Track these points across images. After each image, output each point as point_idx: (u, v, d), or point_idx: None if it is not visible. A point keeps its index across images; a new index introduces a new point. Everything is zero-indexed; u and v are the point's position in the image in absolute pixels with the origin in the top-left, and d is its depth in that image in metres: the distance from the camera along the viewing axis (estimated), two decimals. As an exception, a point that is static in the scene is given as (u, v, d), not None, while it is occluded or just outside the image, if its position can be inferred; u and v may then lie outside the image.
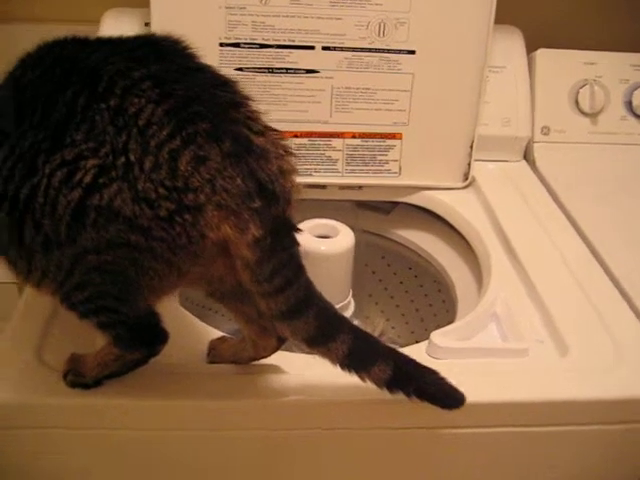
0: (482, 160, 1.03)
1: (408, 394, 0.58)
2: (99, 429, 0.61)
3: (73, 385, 0.61)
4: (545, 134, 1.05)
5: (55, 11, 1.05)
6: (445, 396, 0.59)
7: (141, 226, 0.50)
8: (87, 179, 0.50)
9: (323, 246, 0.90)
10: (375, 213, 1.09)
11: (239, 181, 0.51)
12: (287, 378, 0.64)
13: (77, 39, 0.57)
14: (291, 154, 0.57)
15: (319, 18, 0.91)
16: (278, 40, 0.92)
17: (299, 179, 0.94)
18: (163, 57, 0.56)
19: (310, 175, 0.99)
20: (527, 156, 1.06)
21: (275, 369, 0.65)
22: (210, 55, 0.89)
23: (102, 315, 0.55)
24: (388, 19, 0.92)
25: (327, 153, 0.99)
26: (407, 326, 1.19)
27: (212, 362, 0.67)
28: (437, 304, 1.08)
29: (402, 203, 1.04)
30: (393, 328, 1.21)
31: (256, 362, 0.66)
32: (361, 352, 0.57)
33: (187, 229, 0.51)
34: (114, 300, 0.54)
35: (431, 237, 1.03)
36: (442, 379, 0.59)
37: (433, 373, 0.59)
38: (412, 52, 0.94)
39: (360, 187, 1.02)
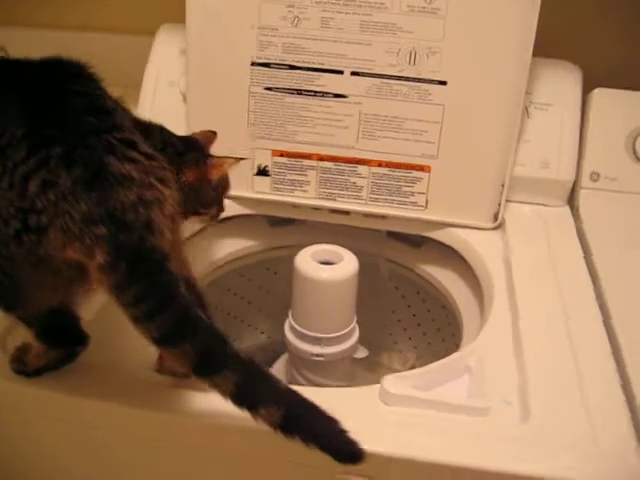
0: (518, 202, 0.97)
1: (304, 440, 0.54)
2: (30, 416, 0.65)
3: (17, 372, 0.65)
4: (594, 180, 0.96)
5: (115, 21, 1.12)
6: (340, 450, 0.55)
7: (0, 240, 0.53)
8: None
9: (325, 273, 0.89)
10: (405, 245, 1.06)
11: (84, 206, 0.51)
12: (206, 397, 0.63)
13: None
14: (167, 186, 0.57)
15: (349, 43, 0.90)
16: (307, 63, 0.92)
17: (324, 203, 0.97)
18: (53, 80, 0.58)
19: (334, 200, 0.98)
20: (572, 202, 0.98)
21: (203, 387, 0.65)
22: (241, 73, 0.94)
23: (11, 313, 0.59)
24: (419, 47, 0.89)
25: (352, 179, 0.97)
26: (438, 366, 1.14)
27: (157, 371, 0.69)
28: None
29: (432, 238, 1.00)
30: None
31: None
32: (249, 390, 0.55)
33: (33, 248, 0.52)
34: (6, 301, 0.58)
35: (456, 278, 0.98)
36: (341, 431, 0.55)
37: (332, 422, 0.55)
38: (443, 83, 0.90)
39: (384, 217, 0.99)
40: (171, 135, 0.77)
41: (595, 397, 0.67)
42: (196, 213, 0.79)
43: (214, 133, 0.86)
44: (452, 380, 0.72)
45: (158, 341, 0.53)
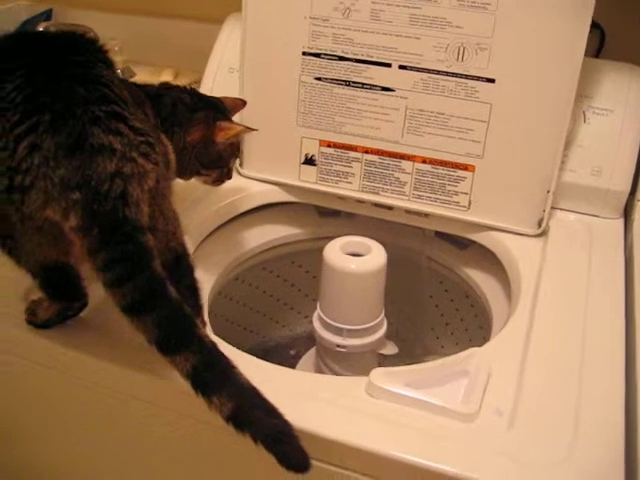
0: (567, 210, 0.93)
1: (253, 438, 0.54)
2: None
3: (28, 322, 0.71)
4: (654, 193, 0.89)
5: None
6: (287, 455, 0.54)
7: None
8: None
9: (353, 264, 0.88)
10: (451, 246, 1.03)
11: (63, 171, 0.54)
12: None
13: (22, 32, 0.65)
14: (149, 161, 0.59)
15: (398, 36, 0.90)
16: (356, 54, 0.92)
17: (367, 196, 0.97)
18: (60, 51, 0.62)
19: (377, 194, 0.98)
20: (628, 215, 0.91)
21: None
22: (293, 62, 0.96)
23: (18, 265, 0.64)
24: (468, 43, 0.87)
25: (396, 174, 0.96)
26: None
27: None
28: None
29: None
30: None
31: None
32: (206, 376, 0.55)
33: (17, 206, 0.56)
34: (13, 253, 0.63)
35: (496, 283, 0.95)
36: (292, 437, 0.55)
37: (285, 426, 0.55)
38: (492, 80, 0.87)
39: (427, 215, 0.97)
40: (185, 93, 0.80)
41: (589, 421, 0.63)
42: (197, 173, 0.81)
43: (243, 102, 0.89)
44: (449, 382, 0.70)
45: (123, 309, 0.55)
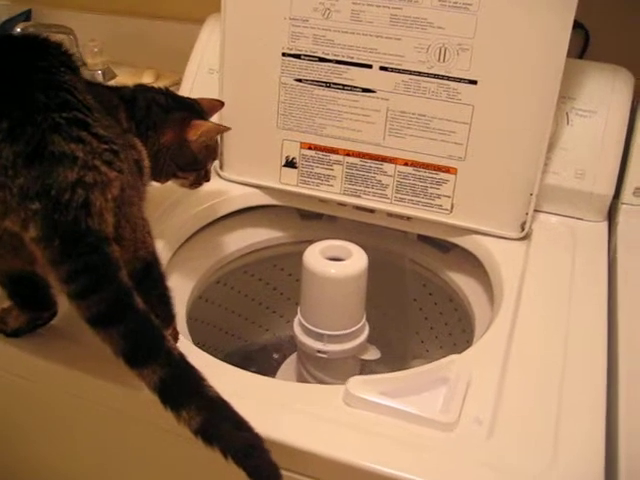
0: (550, 212, 0.92)
1: (222, 452, 0.53)
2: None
3: (-2, 331, 0.69)
4: (638, 196, 0.88)
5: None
6: (258, 469, 0.52)
7: None
8: None
9: (333, 269, 0.87)
10: (433, 249, 1.02)
11: (21, 181, 0.52)
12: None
13: None
14: (113, 169, 0.56)
15: (378, 37, 0.88)
16: (337, 55, 0.91)
17: (348, 199, 0.95)
18: (21, 55, 0.59)
19: (358, 197, 0.96)
20: (612, 218, 0.90)
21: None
22: (273, 64, 0.94)
23: None
24: (450, 44, 0.85)
25: (377, 177, 0.95)
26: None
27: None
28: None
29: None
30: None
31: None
32: (174, 389, 0.54)
33: None
34: None
35: (478, 287, 0.94)
36: (262, 451, 0.53)
37: (255, 440, 0.53)
38: (474, 82, 0.86)
39: (409, 218, 0.96)
40: (161, 94, 0.78)
41: (570, 428, 0.62)
42: (174, 176, 0.80)
43: (220, 103, 0.87)
44: (429, 390, 0.68)
45: (88, 321, 0.54)
